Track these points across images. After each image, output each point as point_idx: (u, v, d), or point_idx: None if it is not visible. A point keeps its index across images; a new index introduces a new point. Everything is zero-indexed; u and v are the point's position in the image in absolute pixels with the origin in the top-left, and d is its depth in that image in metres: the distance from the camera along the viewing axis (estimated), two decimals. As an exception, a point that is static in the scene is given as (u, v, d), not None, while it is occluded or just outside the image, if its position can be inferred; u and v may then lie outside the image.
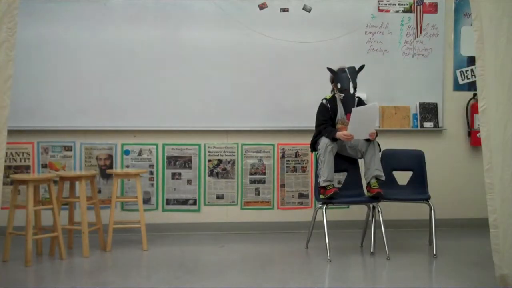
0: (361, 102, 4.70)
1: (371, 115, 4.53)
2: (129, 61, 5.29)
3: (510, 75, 3.46)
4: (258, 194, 5.51)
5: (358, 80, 4.60)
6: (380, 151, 4.72)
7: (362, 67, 4.63)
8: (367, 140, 4.58)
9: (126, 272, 4.11)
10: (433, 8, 5.64)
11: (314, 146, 4.73)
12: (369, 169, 4.56)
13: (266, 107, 5.43)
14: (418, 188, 4.85)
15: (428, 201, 4.67)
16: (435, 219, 4.66)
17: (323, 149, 4.52)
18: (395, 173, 4.97)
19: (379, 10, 5.58)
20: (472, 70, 5.66)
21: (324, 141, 4.53)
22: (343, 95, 4.59)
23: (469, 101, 5.73)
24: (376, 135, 4.59)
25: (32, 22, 5.16)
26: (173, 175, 5.44)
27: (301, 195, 5.57)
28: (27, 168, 5.27)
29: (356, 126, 4.44)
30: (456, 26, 5.71)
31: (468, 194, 5.62)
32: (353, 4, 5.53)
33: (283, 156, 5.53)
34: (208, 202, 5.48)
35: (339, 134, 4.50)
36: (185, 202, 5.46)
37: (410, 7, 5.61)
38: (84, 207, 4.52)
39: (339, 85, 4.61)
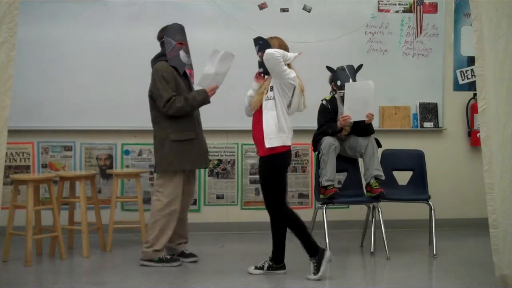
0: None
1: (367, 92, 4.45)
2: (129, 61, 5.27)
3: (509, 75, 3.46)
4: (258, 194, 5.51)
5: (358, 80, 4.59)
6: (380, 146, 4.71)
7: (360, 67, 4.63)
8: (365, 139, 4.58)
9: (126, 272, 4.11)
10: (433, 8, 5.64)
11: (315, 145, 4.73)
12: (369, 169, 4.56)
13: (266, 107, 5.42)
14: (418, 188, 4.86)
15: (428, 201, 4.67)
16: (435, 219, 4.66)
17: (326, 149, 4.51)
18: (395, 173, 4.98)
19: (379, 10, 5.58)
20: (472, 70, 5.65)
21: (327, 141, 4.53)
22: (343, 91, 4.57)
23: (469, 101, 5.73)
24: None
25: (32, 22, 5.16)
26: (173, 175, 5.44)
27: (301, 195, 5.57)
28: (27, 168, 5.27)
29: (352, 104, 4.43)
30: (456, 26, 5.71)
31: (468, 194, 5.62)
32: (353, 4, 5.53)
33: (283, 156, 5.52)
34: (208, 202, 5.48)
35: (339, 122, 4.50)
36: (185, 202, 5.45)
37: (410, 7, 5.61)
38: (84, 207, 4.52)
39: (338, 83, 4.60)
